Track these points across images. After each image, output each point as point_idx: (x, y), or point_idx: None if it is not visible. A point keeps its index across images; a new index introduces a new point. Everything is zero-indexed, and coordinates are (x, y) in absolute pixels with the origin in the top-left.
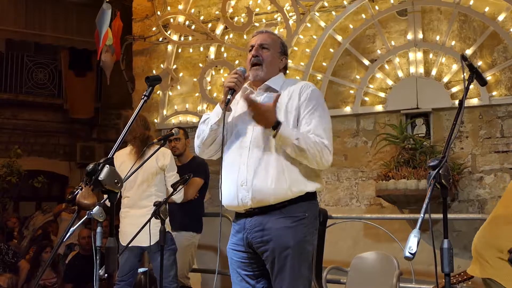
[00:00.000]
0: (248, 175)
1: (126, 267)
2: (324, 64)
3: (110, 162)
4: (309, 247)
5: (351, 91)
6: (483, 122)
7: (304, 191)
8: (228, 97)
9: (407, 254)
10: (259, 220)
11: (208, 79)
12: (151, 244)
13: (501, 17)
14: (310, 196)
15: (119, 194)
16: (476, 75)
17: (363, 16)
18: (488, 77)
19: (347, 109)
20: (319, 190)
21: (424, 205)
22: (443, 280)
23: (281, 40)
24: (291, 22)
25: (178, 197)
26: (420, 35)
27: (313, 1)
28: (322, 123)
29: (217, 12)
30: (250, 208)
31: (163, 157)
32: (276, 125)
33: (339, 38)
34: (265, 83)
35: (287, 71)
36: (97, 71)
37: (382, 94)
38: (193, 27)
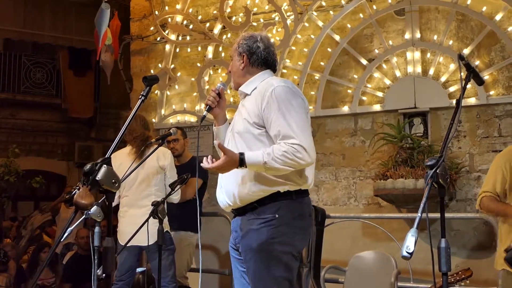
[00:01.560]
0: (223, 179)
1: (124, 266)
2: (322, 63)
3: (108, 162)
4: (280, 247)
5: (349, 91)
6: (481, 122)
7: (270, 191)
8: (204, 114)
9: (405, 254)
10: (237, 222)
11: (206, 78)
12: (150, 243)
13: (498, 17)
14: (283, 196)
15: (117, 193)
16: (473, 74)
17: (361, 15)
18: (486, 76)
19: (345, 109)
20: (295, 188)
21: (422, 205)
22: (441, 279)
23: (241, 41)
24: (289, 21)
25: (176, 197)
26: (418, 35)
27: (310, 0)
28: (289, 121)
29: (215, 12)
30: (232, 210)
31: (163, 156)
32: (241, 164)
33: (337, 37)
34: (239, 89)
35: (283, 70)
36: (95, 71)
37: (380, 94)
38: (191, 26)
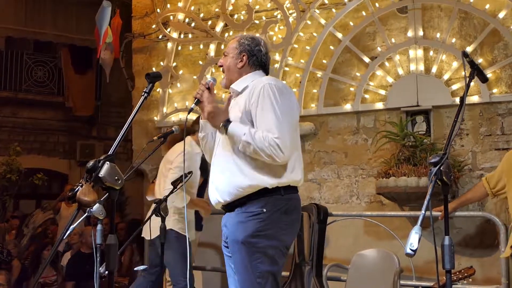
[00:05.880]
0: (213, 175)
1: (150, 259)
2: (324, 61)
3: (111, 159)
4: (267, 241)
5: (351, 89)
6: (484, 120)
7: (258, 187)
8: (192, 106)
9: (408, 251)
10: (226, 217)
11: (208, 76)
12: (152, 237)
13: (501, 14)
14: (270, 191)
15: None
16: (477, 71)
17: (363, 13)
18: (489, 74)
19: (347, 107)
20: (284, 185)
21: (425, 202)
22: (444, 277)
23: (242, 40)
24: (291, 19)
25: (181, 205)
26: (421, 32)
27: None
28: (273, 118)
29: (217, 10)
30: (223, 206)
31: (172, 151)
32: (226, 124)
33: (339, 35)
34: (230, 86)
35: (285, 68)
36: (96, 69)
37: (382, 92)
38: (193, 24)
